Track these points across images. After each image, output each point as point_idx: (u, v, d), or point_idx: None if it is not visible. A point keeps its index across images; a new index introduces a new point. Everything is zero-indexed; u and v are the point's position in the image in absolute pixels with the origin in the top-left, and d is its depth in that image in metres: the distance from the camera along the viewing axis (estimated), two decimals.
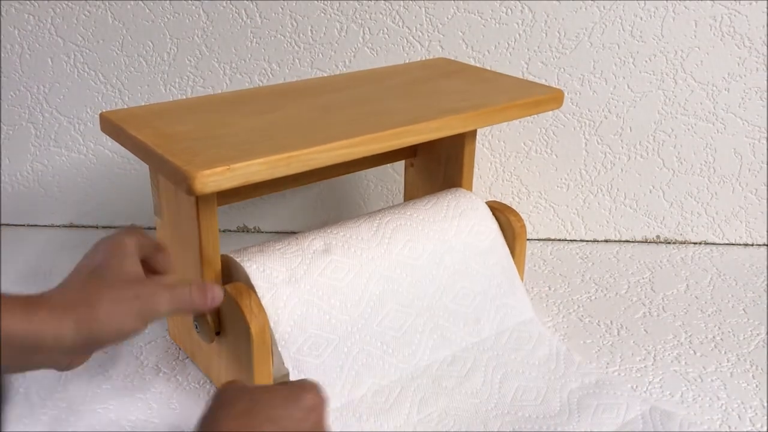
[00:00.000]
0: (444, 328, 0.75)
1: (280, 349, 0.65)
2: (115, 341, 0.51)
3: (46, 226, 1.07)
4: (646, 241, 1.05)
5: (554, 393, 0.72)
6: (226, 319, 0.67)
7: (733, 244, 1.04)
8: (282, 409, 0.48)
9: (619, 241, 1.05)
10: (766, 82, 0.95)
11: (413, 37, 0.95)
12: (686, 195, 1.02)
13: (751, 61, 0.94)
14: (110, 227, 1.06)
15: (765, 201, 1.01)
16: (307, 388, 0.51)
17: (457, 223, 0.78)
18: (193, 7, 0.94)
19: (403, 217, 0.76)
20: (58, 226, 1.07)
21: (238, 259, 0.67)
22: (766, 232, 1.03)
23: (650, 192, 1.02)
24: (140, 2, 0.94)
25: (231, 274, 0.69)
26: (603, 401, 0.71)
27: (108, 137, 0.70)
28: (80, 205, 1.05)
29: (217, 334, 0.68)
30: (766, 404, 0.71)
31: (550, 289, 0.92)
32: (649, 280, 0.94)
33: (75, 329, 0.48)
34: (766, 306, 0.89)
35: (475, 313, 0.77)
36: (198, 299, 0.55)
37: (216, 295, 0.56)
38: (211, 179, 0.57)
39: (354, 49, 0.96)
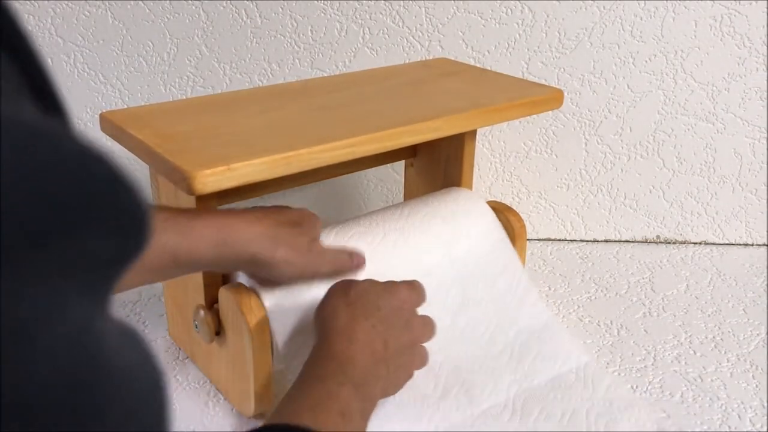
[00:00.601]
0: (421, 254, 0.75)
1: (278, 345, 0.65)
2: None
3: None
4: (646, 241, 1.04)
5: (502, 331, 0.73)
6: (226, 319, 0.67)
7: (733, 244, 1.04)
8: (383, 299, 0.61)
9: (619, 241, 1.05)
10: (766, 82, 0.95)
11: (413, 37, 0.95)
12: (686, 195, 1.02)
13: (751, 61, 0.94)
14: None
15: (765, 201, 1.01)
16: (401, 284, 0.64)
17: (457, 219, 0.78)
18: (193, 7, 0.94)
19: (403, 217, 0.76)
20: None
21: None
22: (766, 232, 1.03)
23: (650, 192, 1.02)
24: (140, 2, 0.94)
25: (231, 274, 0.69)
26: (543, 348, 0.72)
27: (108, 137, 0.70)
28: None
29: (217, 334, 0.68)
30: (766, 404, 0.71)
31: (550, 289, 0.92)
32: (649, 280, 0.94)
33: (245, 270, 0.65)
34: (766, 306, 0.89)
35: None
36: (350, 265, 0.68)
37: (361, 261, 0.69)
38: (211, 179, 0.57)
39: (354, 49, 0.96)
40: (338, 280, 0.65)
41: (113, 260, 0.19)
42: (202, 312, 0.68)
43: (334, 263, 0.67)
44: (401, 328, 0.61)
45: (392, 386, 0.61)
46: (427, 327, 0.64)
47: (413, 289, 0.64)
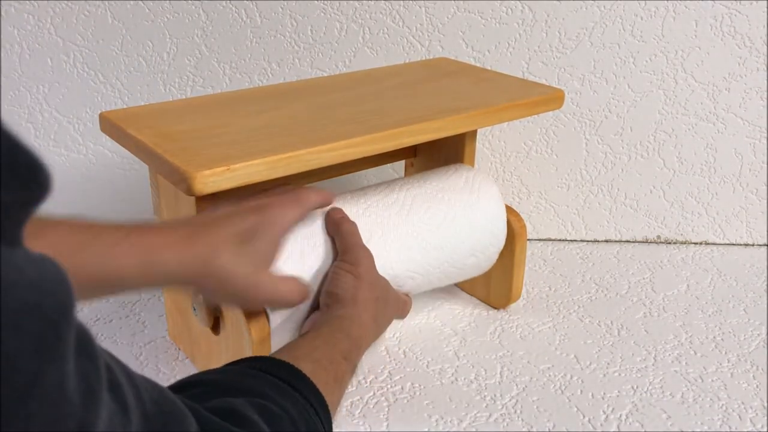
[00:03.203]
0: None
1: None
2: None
3: None
4: (647, 241, 1.04)
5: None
6: (226, 320, 0.67)
7: (733, 244, 1.04)
8: (390, 307, 0.70)
9: (620, 241, 1.05)
10: (766, 82, 0.95)
11: (413, 37, 0.95)
12: (687, 195, 1.02)
13: (752, 61, 0.94)
14: None
15: (765, 201, 1.01)
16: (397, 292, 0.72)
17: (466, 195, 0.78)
18: (193, 7, 0.94)
19: (414, 190, 0.76)
20: None
21: None
22: (766, 232, 1.03)
23: (651, 192, 1.02)
24: (140, 2, 0.94)
25: None
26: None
27: (108, 137, 0.69)
28: (80, 205, 1.05)
29: (216, 330, 0.68)
30: (766, 405, 0.71)
31: (550, 289, 0.92)
32: (650, 281, 0.94)
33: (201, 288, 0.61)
34: (766, 306, 0.89)
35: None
36: (292, 299, 0.65)
37: (305, 296, 0.65)
38: (211, 179, 0.57)
39: (354, 49, 0.96)
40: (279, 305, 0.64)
41: (19, 206, 0.27)
42: (200, 295, 0.67)
43: (274, 293, 0.61)
44: (390, 316, 0.71)
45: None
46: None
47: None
